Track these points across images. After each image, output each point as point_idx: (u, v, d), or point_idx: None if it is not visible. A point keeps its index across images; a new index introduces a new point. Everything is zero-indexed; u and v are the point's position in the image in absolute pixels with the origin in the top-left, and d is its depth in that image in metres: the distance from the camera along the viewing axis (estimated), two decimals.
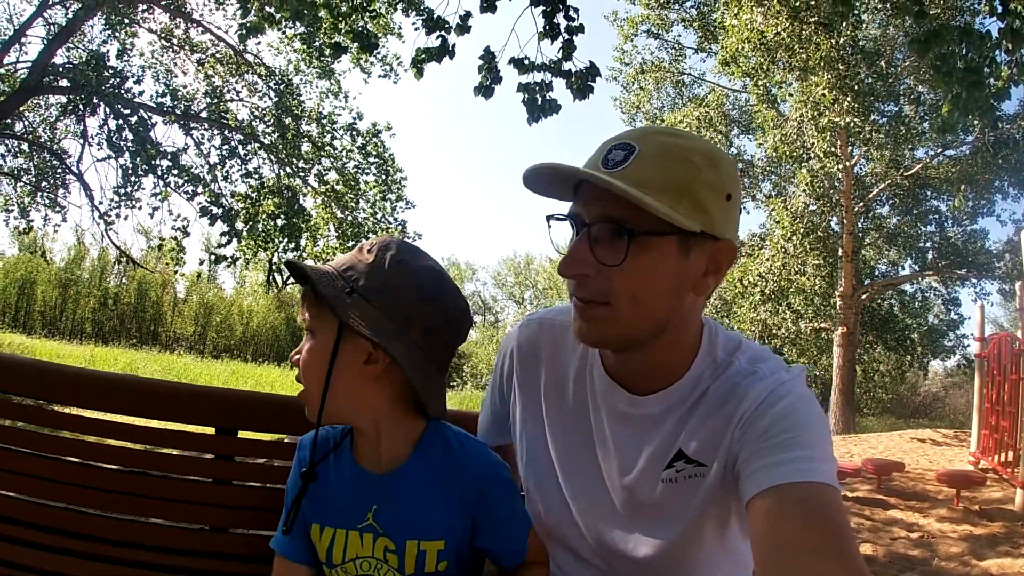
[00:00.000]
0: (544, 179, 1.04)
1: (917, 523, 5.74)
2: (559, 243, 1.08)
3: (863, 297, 17.88)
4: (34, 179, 14.25)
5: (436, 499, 1.10)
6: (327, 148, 15.17)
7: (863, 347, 19.54)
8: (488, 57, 6.27)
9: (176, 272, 15.77)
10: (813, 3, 13.07)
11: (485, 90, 6.37)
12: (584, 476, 1.18)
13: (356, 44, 7.28)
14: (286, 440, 1.87)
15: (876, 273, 20.02)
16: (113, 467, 1.65)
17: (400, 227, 15.84)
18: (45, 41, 12.33)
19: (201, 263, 15.42)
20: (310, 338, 1.06)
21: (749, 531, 0.89)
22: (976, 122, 11.94)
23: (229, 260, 14.77)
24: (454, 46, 6.30)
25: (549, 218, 1.06)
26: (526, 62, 6.35)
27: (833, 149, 15.65)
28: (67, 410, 1.74)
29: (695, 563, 1.12)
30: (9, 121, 12.95)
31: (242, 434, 1.70)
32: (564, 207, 1.06)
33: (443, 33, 6.27)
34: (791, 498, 0.86)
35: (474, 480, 1.12)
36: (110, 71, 12.71)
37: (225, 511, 1.64)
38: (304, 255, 16.15)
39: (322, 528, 1.08)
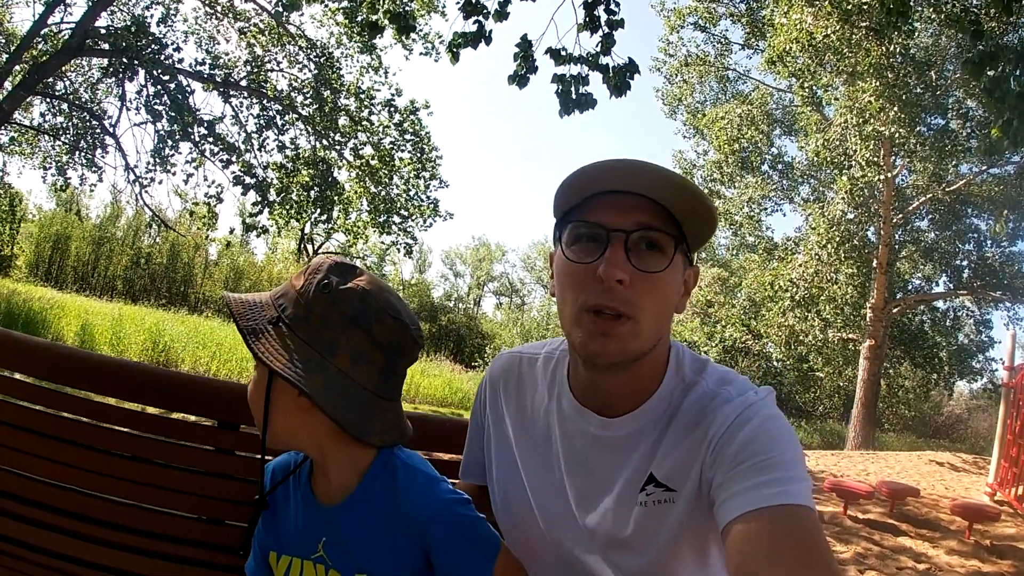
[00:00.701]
0: (585, 183, 1.03)
1: (926, 554, 5.64)
2: (575, 254, 1.03)
3: (894, 310, 17.58)
4: (72, 138, 14.45)
5: (379, 534, 1.06)
6: (364, 123, 15.19)
7: (890, 361, 19.27)
8: (524, 46, 6.19)
9: (207, 237, 15.94)
10: (865, 7, 12.76)
11: (520, 79, 6.29)
12: (556, 508, 1.16)
13: (394, 26, 7.21)
14: None
15: (909, 287, 19.66)
16: (112, 452, 1.66)
17: (432, 205, 15.89)
18: (89, 3, 12.43)
19: (232, 231, 15.57)
20: (255, 370, 1.06)
21: (726, 558, 0.88)
22: None
23: (260, 229, 14.90)
24: (491, 32, 6.19)
25: (566, 221, 1.06)
26: (563, 53, 6.26)
27: (876, 158, 15.32)
28: (76, 392, 1.75)
29: None
30: (51, 80, 13.14)
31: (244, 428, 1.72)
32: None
33: (480, 19, 6.16)
34: (765, 523, 0.85)
35: (418, 516, 1.07)
36: (150, 36, 12.80)
37: (222, 504, 1.66)
38: (336, 227, 16.22)
39: (279, 556, 1.07)
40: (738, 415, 0.99)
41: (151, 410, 1.77)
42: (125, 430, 1.68)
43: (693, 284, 1.10)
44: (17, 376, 1.74)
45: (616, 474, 1.09)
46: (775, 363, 24.46)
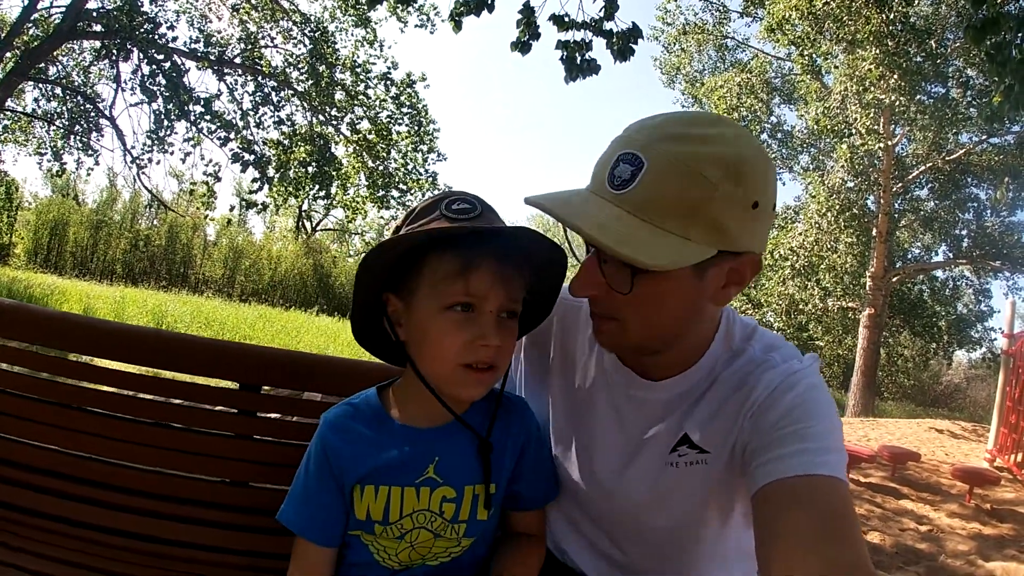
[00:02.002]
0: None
1: (927, 516, 5.70)
2: (579, 252, 1.05)
3: (894, 280, 17.59)
4: (67, 123, 14.39)
5: (497, 444, 1.12)
6: (360, 97, 15.10)
7: (889, 330, 19.32)
8: (527, 12, 6.14)
9: (206, 217, 15.92)
10: None
11: (522, 46, 6.25)
12: (579, 458, 1.19)
13: None
14: (305, 397, 1.89)
15: (909, 256, 19.67)
16: (136, 419, 1.67)
17: (431, 178, 15.84)
18: None
19: (231, 209, 15.53)
20: None
21: (754, 520, 0.89)
22: None
23: (259, 206, 14.86)
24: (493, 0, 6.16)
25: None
26: (566, 19, 6.19)
27: (875, 126, 15.24)
28: (94, 362, 1.76)
29: (694, 550, 1.13)
30: (43, 65, 13.04)
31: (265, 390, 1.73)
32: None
33: None
34: (799, 490, 0.87)
35: (523, 424, 1.18)
36: (143, 16, 12.68)
37: (246, 465, 1.67)
38: (334, 203, 16.17)
39: (376, 488, 1.07)
40: (781, 382, 0.99)
41: (172, 375, 1.78)
42: (146, 396, 1.70)
43: (750, 273, 0.99)
44: (35, 348, 1.75)
45: (648, 434, 1.10)
46: (775, 332, 24.56)
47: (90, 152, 14.52)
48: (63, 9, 12.46)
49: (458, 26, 6.33)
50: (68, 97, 14.29)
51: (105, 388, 1.71)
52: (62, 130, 14.43)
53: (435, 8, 14.37)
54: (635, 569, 1.19)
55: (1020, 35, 4.87)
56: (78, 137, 14.40)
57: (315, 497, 1.09)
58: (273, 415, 1.73)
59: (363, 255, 1.05)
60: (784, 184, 20.93)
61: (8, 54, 12.34)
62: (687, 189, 0.89)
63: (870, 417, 14.71)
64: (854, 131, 15.46)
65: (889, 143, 15.87)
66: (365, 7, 12.44)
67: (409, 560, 1.10)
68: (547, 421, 1.24)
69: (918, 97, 14.55)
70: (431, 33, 14.44)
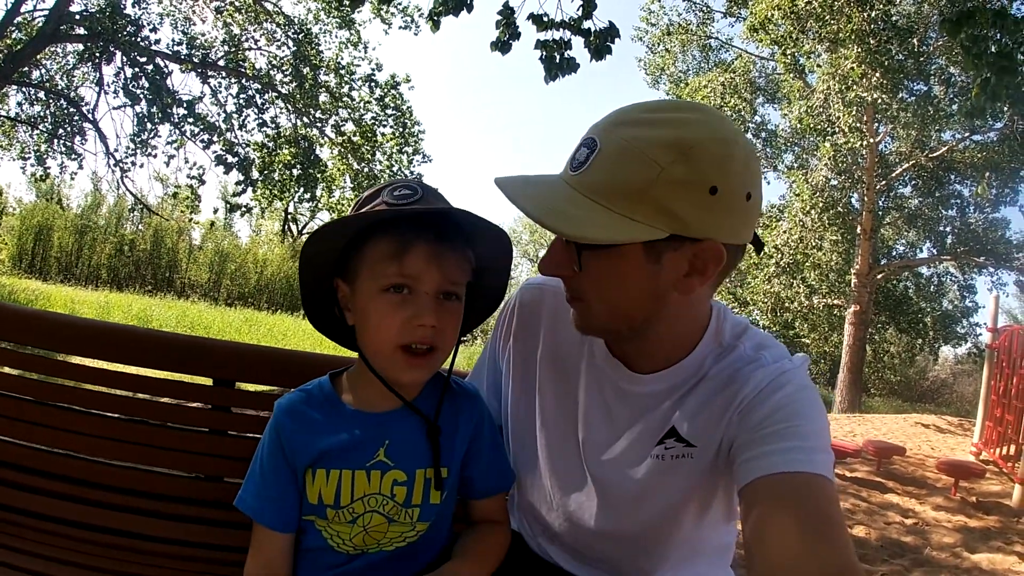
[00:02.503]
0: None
1: (913, 509, 5.74)
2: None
3: (878, 276, 17.70)
4: (51, 127, 14.26)
5: (447, 427, 1.14)
6: (345, 99, 15.06)
7: (875, 327, 19.45)
8: (507, 12, 6.19)
9: (191, 220, 15.84)
10: None
11: (502, 46, 6.29)
12: (563, 448, 1.19)
13: None
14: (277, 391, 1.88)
15: (893, 253, 19.79)
16: (112, 415, 1.68)
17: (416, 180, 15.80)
18: None
19: (215, 211, 15.46)
20: None
21: (742, 516, 0.90)
22: (1006, 109, 11.69)
23: (244, 209, 14.80)
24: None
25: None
26: (545, 19, 6.24)
27: (858, 124, 15.35)
28: (68, 359, 1.75)
29: (669, 543, 1.13)
30: (26, 69, 12.94)
31: (239, 386, 1.73)
32: None
33: None
34: (785, 488, 0.87)
35: (474, 408, 1.19)
36: (126, 19, 12.60)
37: (220, 461, 1.67)
38: (320, 205, 16.11)
39: (328, 471, 1.07)
40: (771, 381, 1.00)
41: (146, 372, 1.77)
42: (120, 392, 1.69)
43: (712, 263, 0.95)
44: (10, 346, 1.73)
45: (636, 426, 1.10)
46: (761, 330, 24.65)
47: (74, 156, 14.41)
48: (46, 12, 12.37)
49: (436, 26, 6.35)
50: (51, 101, 14.17)
51: (81, 385, 1.70)
52: (45, 134, 14.30)
53: (419, 9, 14.36)
54: (607, 560, 1.19)
55: (996, 29, 4.93)
56: (62, 141, 14.28)
57: (271, 483, 1.09)
58: (248, 411, 1.72)
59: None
60: (768, 183, 21.06)
61: None
62: (634, 171, 0.90)
63: (856, 413, 14.79)
64: (837, 129, 15.57)
65: (872, 141, 15.98)
66: (348, 8, 12.36)
67: (364, 545, 1.10)
68: (534, 413, 1.23)
69: (901, 95, 14.66)
70: (415, 35, 14.43)
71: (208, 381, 1.71)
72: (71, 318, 1.82)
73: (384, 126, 15.51)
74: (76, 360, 1.76)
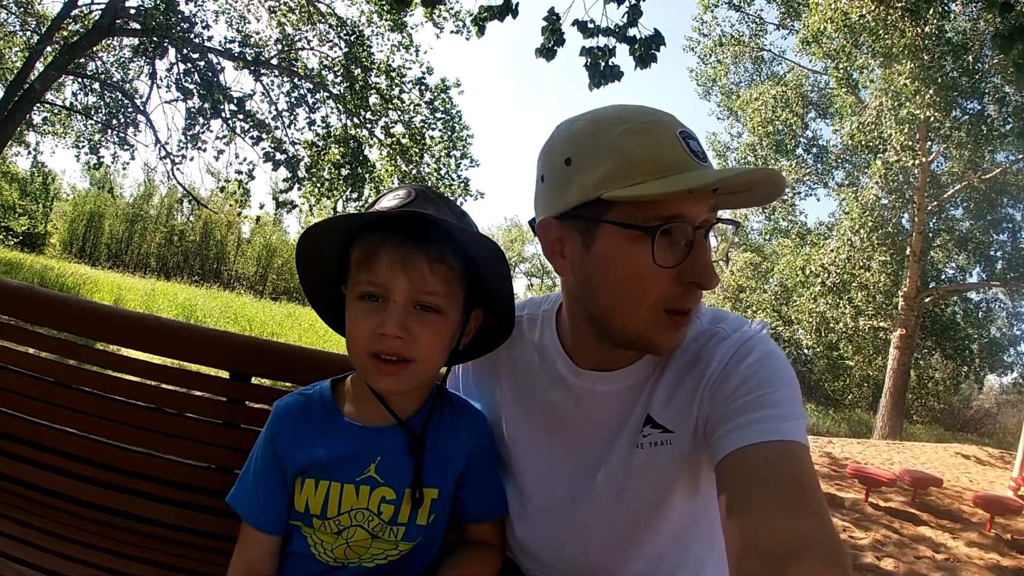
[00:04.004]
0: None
1: (945, 544, 5.56)
2: (664, 256, 0.94)
3: (926, 300, 17.27)
4: (105, 117, 14.68)
5: (442, 447, 1.12)
6: (395, 101, 15.19)
7: (920, 352, 18.97)
8: (552, 19, 6.15)
9: (240, 214, 16.14)
10: None
11: (547, 52, 6.26)
12: (543, 469, 1.17)
13: None
14: (282, 386, 1.90)
15: (942, 277, 19.29)
16: (130, 401, 1.71)
17: (463, 184, 15.89)
18: None
19: (262, 207, 15.72)
20: None
21: (718, 491, 0.88)
22: None
23: (290, 206, 15.02)
24: (517, 5, 6.13)
25: (658, 229, 0.93)
26: (590, 25, 6.21)
27: (911, 143, 15.01)
28: (96, 345, 1.79)
29: (661, 532, 1.10)
30: (82, 60, 13.32)
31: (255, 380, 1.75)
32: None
33: None
34: (758, 458, 0.86)
35: (474, 429, 1.17)
36: (179, 15, 12.90)
37: (232, 453, 1.69)
38: (367, 205, 16.32)
39: (317, 482, 1.07)
40: (736, 351, 1.00)
41: (165, 361, 1.81)
42: (139, 380, 1.72)
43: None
44: (37, 328, 1.78)
45: (616, 421, 1.09)
46: (806, 350, 24.23)
47: (126, 147, 14.80)
48: (103, 6, 12.73)
49: (481, 31, 6.39)
50: (106, 92, 14.59)
51: (104, 371, 1.75)
52: (99, 124, 14.74)
53: (470, 13, 14.41)
54: (595, 566, 1.16)
55: None
56: (115, 131, 14.69)
57: (262, 484, 1.10)
58: (262, 405, 1.74)
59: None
60: (819, 200, 20.78)
61: (48, 48, 12.62)
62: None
63: (897, 440, 14.45)
64: (889, 147, 15.24)
65: (924, 160, 15.59)
66: (394, 9, 12.46)
67: (344, 557, 1.09)
68: (504, 442, 1.21)
69: (954, 113, 14.27)
70: (466, 39, 14.51)
71: (225, 374, 1.73)
72: (94, 303, 1.86)
73: (433, 129, 15.61)
74: (100, 346, 1.80)
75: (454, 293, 1.04)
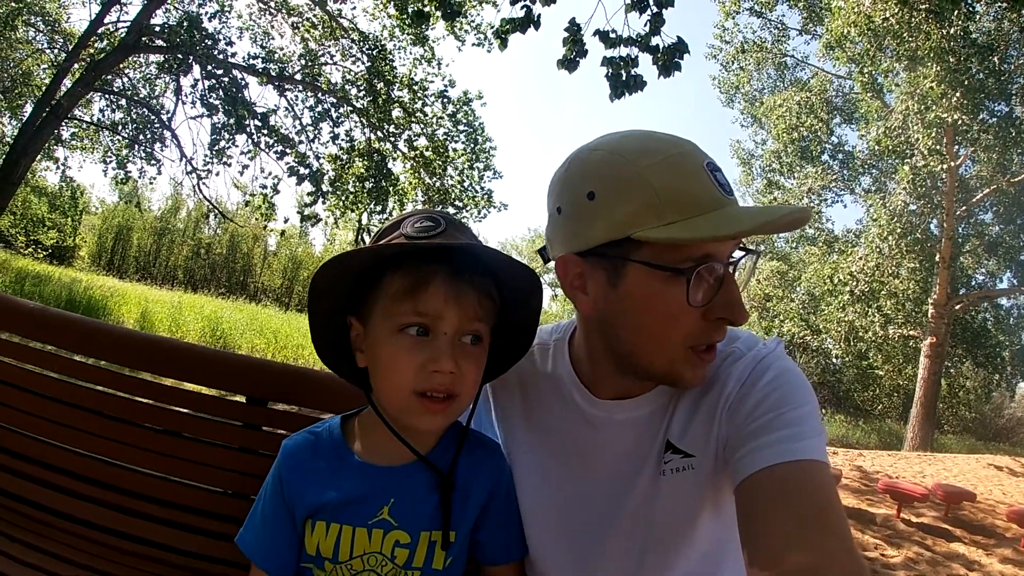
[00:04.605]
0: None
1: (979, 561, 5.42)
2: (696, 294, 0.94)
3: (956, 307, 16.95)
4: (132, 133, 14.97)
5: (462, 486, 1.07)
6: (418, 114, 15.28)
7: (951, 360, 18.62)
8: (573, 29, 6.13)
9: (265, 228, 16.31)
10: None
11: (569, 63, 6.22)
12: (563, 504, 1.13)
13: (440, 12, 7.21)
14: (306, 412, 1.89)
15: (972, 283, 18.94)
16: (144, 425, 1.70)
17: (486, 196, 15.95)
18: (144, 1, 12.78)
19: (286, 220, 15.85)
20: None
21: (737, 514, 0.88)
22: None
23: (315, 219, 15.15)
24: (539, 17, 6.11)
25: (693, 271, 0.92)
26: (612, 35, 6.16)
27: (938, 147, 14.77)
28: (108, 366, 1.79)
29: (689, 558, 1.07)
30: (109, 77, 13.55)
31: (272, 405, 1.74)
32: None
33: (528, 3, 6.08)
34: (778, 480, 0.85)
35: (495, 468, 1.12)
36: (203, 32, 13.08)
37: (247, 478, 1.67)
38: (391, 218, 16.46)
39: (328, 525, 1.03)
40: (752, 370, 0.99)
41: (181, 384, 1.81)
42: (154, 403, 1.72)
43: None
44: (49, 348, 1.79)
45: (640, 451, 1.07)
46: (834, 360, 23.95)
47: (153, 161, 15.05)
48: (128, 24, 12.95)
49: (504, 43, 6.38)
50: (133, 108, 14.86)
51: (115, 392, 1.74)
52: (126, 139, 15.01)
53: (491, 26, 14.46)
54: None
55: None
56: (142, 147, 14.94)
57: (270, 526, 1.06)
58: (279, 431, 1.73)
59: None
60: (845, 207, 20.63)
61: (75, 65, 12.86)
62: None
63: (928, 452, 14.20)
64: (916, 151, 15.03)
65: (952, 164, 15.32)
66: (415, 24, 12.55)
67: None
68: (526, 478, 1.18)
69: (981, 116, 14.01)
70: (488, 52, 14.57)
71: (242, 398, 1.72)
72: (109, 326, 1.87)
73: (456, 142, 15.70)
74: (115, 367, 1.80)
75: (491, 322, 1.03)
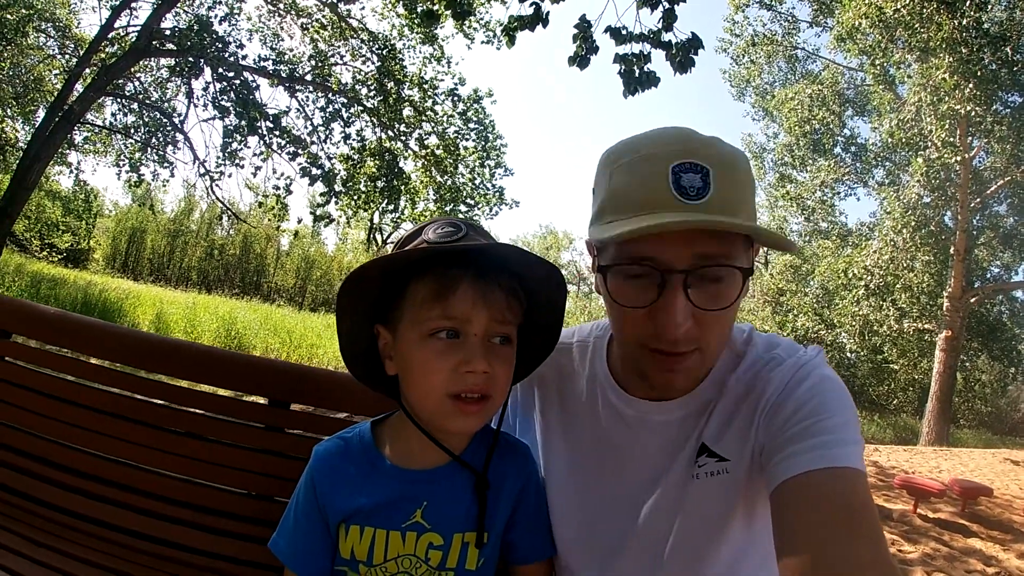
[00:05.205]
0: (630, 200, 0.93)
1: (996, 557, 5.37)
2: (624, 295, 0.95)
3: (972, 300, 16.79)
4: (144, 136, 15.09)
5: (495, 487, 1.08)
6: (428, 113, 15.30)
7: (966, 353, 18.47)
8: (583, 26, 6.10)
9: (278, 228, 16.36)
10: None
11: (580, 60, 6.19)
12: (600, 499, 1.14)
13: (449, 11, 7.19)
14: (327, 414, 1.91)
15: (987, 276, 18.75)
16: (167, 428, 1.72)
17: (498, 193, 15.95)
18: (154, 5, 12.86)
19: (299, 221, 15.89)
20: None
21: (772, 519, 0.88)
22: None
23: (327, 219, 15.20)
24: (548, 14, 6.10)
25: (607, 269, 0.95)
26: (623, 32, 6.12)
27: (952, 138, 14.64)
28: (126, 369, 1.81)
29: (717, 562, 1.07)
30: (120, 81, 13.65)
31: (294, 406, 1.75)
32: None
33: (537, 0, 6.07)
34: (814, 485, 0.85)
35: (524, 468, 1.14)
36: (214, 35, 13.15)
37: (271, 480, 1.68)
38: (403, 217, 16.48)
39: (362, 529, 1.05)
40: (792, 376, 0.98)
41: (204, 388, 1.83)
42: (177, 406, 1.74)
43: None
44: (71, 354, 1.81)
45: (671, 453, 1.07)
46: (849, 354, 23.81)
47: (166, 164, 15.16)
48: (139, 28, 13.03)
49: (512, 40, 6.36)
50: (145, 111, 14.97)
51: (136, 395, 1.76)
52: (139, 143, 15.13)
53: (501, 23, 14.45)
54: None
55: None
56: (154, 150, 15.05)
57: (303, 530, 1.08)
58: (301, 432, 1.75)
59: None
60: (859, 200, 20.51)
61: (87, 70, 12.95)
62: (746, 184, 0.95)
63: (944, 446, 14.09)
64: (929, 143, 14.90)
65: (966, 155, 15.19)
66: (425, 24, 12.56)
67: None
68: (561, 475, 1.19)
69: (995, 107, 13.90)
70: (497, 49, 14.58)
71: (263, 400, 1.74)
72: (132, 331, 1.88)
73: (467, 139, 15.72)
74: (138, 372, 1.83)
75: (518, 321, 1.04)
